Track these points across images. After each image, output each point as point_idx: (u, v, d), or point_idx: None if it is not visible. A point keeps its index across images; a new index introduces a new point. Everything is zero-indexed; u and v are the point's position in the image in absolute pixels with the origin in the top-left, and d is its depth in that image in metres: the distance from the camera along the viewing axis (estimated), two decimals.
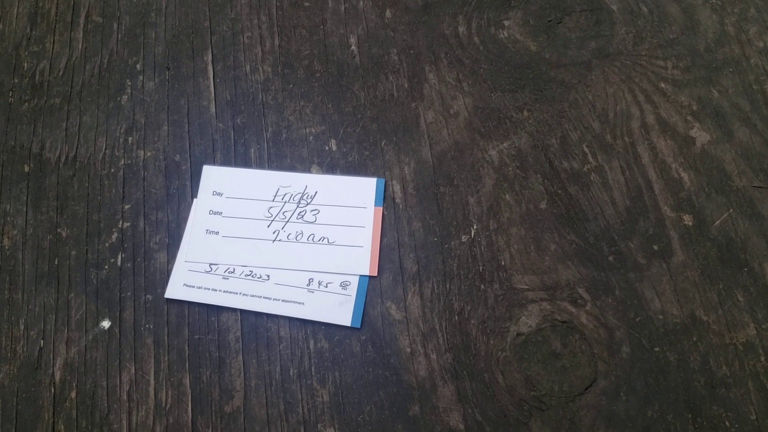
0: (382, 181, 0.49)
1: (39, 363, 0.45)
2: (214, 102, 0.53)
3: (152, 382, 0.44)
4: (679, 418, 0.40)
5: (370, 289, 0.45)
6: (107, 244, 0.48)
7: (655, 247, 0.45)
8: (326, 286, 0.46)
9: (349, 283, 0.45)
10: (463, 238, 0.46)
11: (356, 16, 0.55)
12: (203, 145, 0.51)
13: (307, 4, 0.56)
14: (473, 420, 0.41)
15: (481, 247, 0.46)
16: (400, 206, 0.48)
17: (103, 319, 0.46)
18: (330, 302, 0.45)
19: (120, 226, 0.49)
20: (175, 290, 0.46)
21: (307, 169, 0.50)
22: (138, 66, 0.55)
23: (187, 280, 0.46)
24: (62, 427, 0.43)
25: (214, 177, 0.50)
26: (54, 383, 0.44)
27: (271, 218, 0.48)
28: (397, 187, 0.48)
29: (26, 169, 0.51)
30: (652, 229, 0.46)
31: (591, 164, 0.48)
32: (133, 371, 0.44)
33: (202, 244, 0.47)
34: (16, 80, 0.55)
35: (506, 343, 0.43)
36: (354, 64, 0.53)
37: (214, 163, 0.50)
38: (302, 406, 0.42)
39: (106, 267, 0.47)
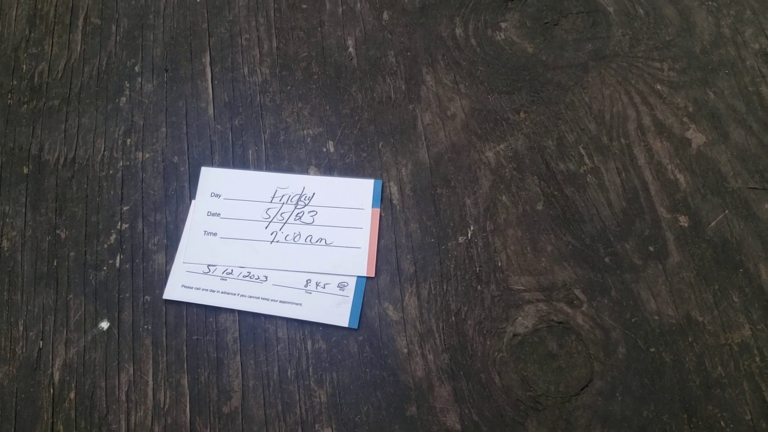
0: (380, 182, 0.49)
1: (38, 364, 0.45)
2: (212, 104, 0.53)
3: (150, 382, 0.44)
4: (675, 418, 0.41)
5: (368, 290, 0.45)
6: (106, 246, 0.48)
7: (651, 248, 0.45)
8: (324, 287, 0.46)
9: (346, 284, 0.46)
10: (460, 240, 0.47)
11: (354, 18, 0.55)
12: (201, 147, 0.51)
13: (304, 6, 0.56)
14: (470, 420, 0.41)
15: (478, 248, 0.46)
16: (398, 207, 0.48)
17: (101, 320, 0.46)
18: (327, 303, 0.45)
19: (118, 227, 0.49)
20: (173, 291, 0.46)
21: (304, 171, 0.50)
22: (136, 68, 0.55)
23: (186, 281, 0.46)
24: (61, 427, 0.43)
25: (212, 178, 0.50)
26: (53, 384, 0.44)
27: (269, 219, 0.48)
28: (394, 189, 0.49)
29: (25, 170, 0.51)
30: (647, 230, 0.46)
31: (587, 166, 0.48)
32: (131, 372, 0.44)
33: (201, 246, 0.48)
34: (15, 82, 0.55)
35: (503, 344, 0.43)
36: (351, 66, 0.53)
37: (212, 164, 0.51)
38: (300, 407, 0.43)
39: (105, 268, 0.47)
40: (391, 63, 0.53)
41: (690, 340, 0.43)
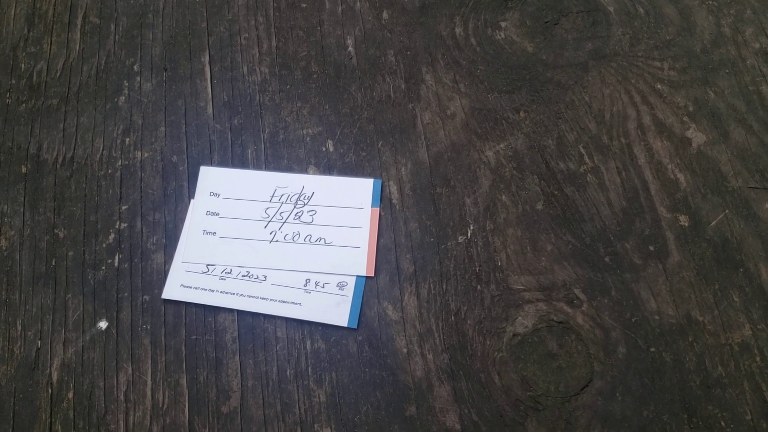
0: (379, 181, 0.49)
1: (36, 363, 0.45)
2: (211, 103, 0.53)
3: (149, 382, 0.44)
4: (675, 418, 0.41)
5: (367, 290, 0.45)
6: (104, 245, 0.48)
7: (651, 248, 0.45)
8: (323, 287, 0.46)
9: (346, 284, 0.46)
10: (460, 239, 0.46)
11: (353, 18, 0.55)
12: (200, 146, 0.51)
13: (304, 5, 0.56)
14: (469, 420, 0.41)
15: (478, 247, 0.46)
16: (397, 207, 0.48)
17: (100, 319, 0.46)
18: (327, 303, 0.45)
19: (117, 226, 0.49)
20: (172, 291, 0.46)
21: (304, 170, 0.50)
22: (135, 67, 0.55)
23: (184, 281, 0.46)
24: (59, 427, 0.43)
25: (211, 178, 0.50)
26: (51, 384, 0.44)
27: (268, 219, 0.48)
28: (393, 188, 0.48)
29: (23, 170, 0.51)
30: (648, 229, 0.46)
31: (587, 165, 0.48)
32: (130, 372, 0.44)
33: (200, 245, 0.48)
34: (13, 81, 0.55)
35: (502, 344, 0.43)
36: (351, 66, 0.53)
37: (211, 163, 0.50)
38: (299, 407, 0.43)
39: (104, 268, 0.47)
40: (390, 62, 0.53)
41: (690, 339, 0.42)
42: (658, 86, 0.50)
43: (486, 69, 0.52)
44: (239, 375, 0.44)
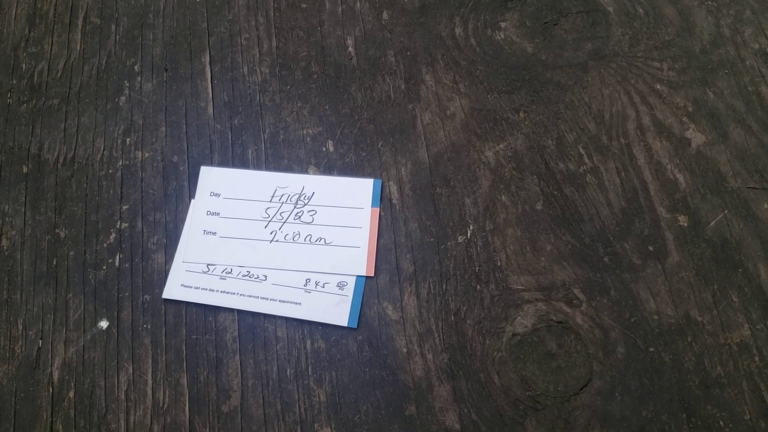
0: (379, 182, 0.49)
1: (37, 363, 0.45)
2: (211, 103, 0.53)
3: (150, 381, 0.44)
4: (674, 418, 0.41)
5: (367, 290, 0.46)
6: (105, 245, 0.48)
7: (651, 248, 0.45)
8: (323, 287, 0.46)
9: (346, 284, 0.46)
10: (460, 239, 0.47)
11: (353, 18, 0.55)
12: (201, 146, 0.51)
13: (304, 5, 0.56)
14: (469, 420, 0.41)
15: (478, 247, 0.46)
16: (397, 207, 0.48)
17: (101, 319, 0.46)
18: (327, 302, 0.45)
19: (118, 226, 0.49)
20: (172, 290, 0.46)
21: (304, 170, 0.50)
22: (136, 67, 0.55)
23: (185, 281, 0.46)
24: (60, 426, 0.43)
25: (211, 178, 0.50)
26: (52, 383, 0.44)
27: (269, 219, 0.48)
28: (393, 188, 0.49)
29: (25, 169, 0.51)
30: (647, 230, 0.46)
31: (587, 165, 0.48)
32: (130, 371, 0.44)
33: (200, 245, 0.48)
34: (14, 81, 0.55)
35: (502, 344, 0.43)
36: (351, 66, 0.53)
37: (211, 164, 0.51)
38: (299, 406, 0.43)
39: (104, 267, 0.47)
40: (390, 62, 0.53)
41: (689, 339, 0.43)
42: (658, 87, 0.51)
43: (486, 69, 0.52)
44: (239, 374, 0.44)
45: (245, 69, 0.54)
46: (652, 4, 0.54)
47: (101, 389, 0.44)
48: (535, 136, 0.50)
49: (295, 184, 0.49)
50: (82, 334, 0.45)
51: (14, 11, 0.58)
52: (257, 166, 0.50)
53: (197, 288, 0.46)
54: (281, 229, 0.48)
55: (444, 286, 0.45)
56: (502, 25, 0.54)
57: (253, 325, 0.45)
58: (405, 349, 0.44)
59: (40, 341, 0.46)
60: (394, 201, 0.48)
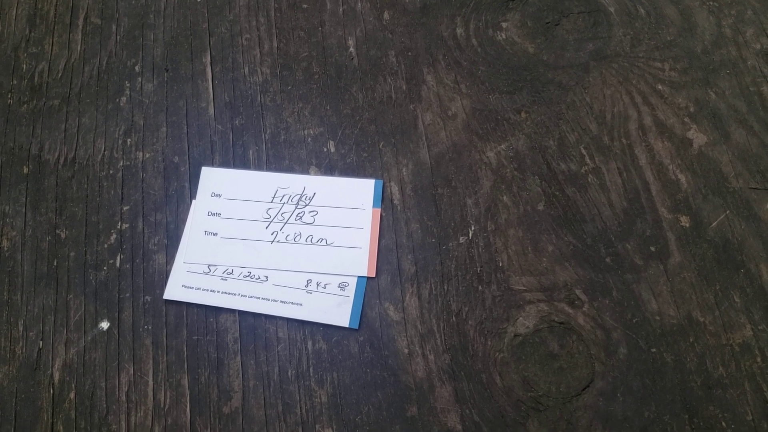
0: (381, 182, 0.49)
1: (38, 364, 0.45)
2: (212, 104, 0.53)
3: (151, 382, 0.44)
4: (676, 418, 0.41)
5: (368, 290, 0.45)
6: (106, 246, 0.48)
7: (652, 249, 0.45)
8: (324, 287, 0.46)
9: (347, 284, 0.46)
10: (461, 240, 0.47)
11: (354, 18, 0.55)
12: (202, 147, 0.51)
13: (305, 5, 0.56)
14: (471, 421, 0.41)
15: (479, 248, 0.46)
16: (398, 208, 0.48)
17: (101, 320, 0.46)
18: (328, 303, 0.45)
19: (119, 227, 0.49)
20: (173, 291, 0.46)
21: (305, 171, 0.50)
22: (137, 68, 0.55)
23: (186, 282, 0.46)
24: (61, 427, 0.43)
25: (212, 178, 0.50)
26: (53, 384, 0.44)
27: (270, 219, 0.48)
28: (395, 189, 0.49)
29: (25, 170, 0.51)
30: (649, 230, 0.46)
31: (588, 166, 0.48)
32: (131, 372, 0.44)
33: (201, 246, 0.48)
34: (15, 82, 0.55)
35: (504, 344, 0.43)
36: (352, 66, 0.53)
37: (212, 164, 0.50)
38: (300, 407, 0.43)
39: (105, 268, 0.47)
40: (391, 63, 0.53)
41: (691, 340, 0.42)
42: (659, 87, 0.51)
43: (487, 70, 0.52)
44: (241, 375, 0.44)
45: (246, 69, 0.54)
46: (653, 4, 0.54)
47: (102, 390, 0.44)
48: (537, 136, 0.50)
49: (297, 185, 0.49)
50: (83, 335, 0.45)
51: (15, 11, 0.58)
52: (258, 167, 0.50)
53: (198, 289, 0.46)
54: (282, 230, 0.48)
55: (445, 287, 0.45)
56: (504, 25, 0.54)
57: (255, 326, 0.45)
58: (406, 350, 0.44)
59: (41, 342, 0.45)
60: (396, 201, 0.48)
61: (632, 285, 0.44)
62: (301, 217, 0.48)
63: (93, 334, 0.45)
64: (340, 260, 0.46)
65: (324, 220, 0.48)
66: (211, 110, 0.52)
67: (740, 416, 0.40)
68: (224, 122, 0.52)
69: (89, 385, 0.44)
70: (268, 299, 0.45)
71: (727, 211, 0.46)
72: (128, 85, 0.54)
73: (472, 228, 0.47)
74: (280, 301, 0.45)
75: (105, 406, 0.43)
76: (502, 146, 0.49)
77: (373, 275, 0.46)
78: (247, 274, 0.46)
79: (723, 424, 0.40)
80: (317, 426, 0.42)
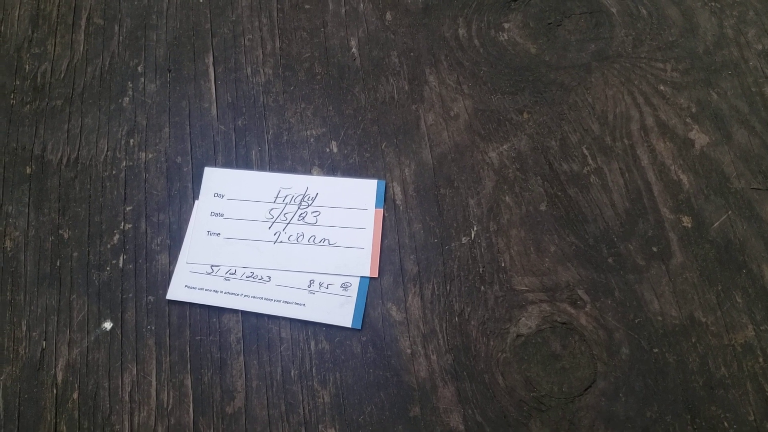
0: (383, 182, 0.49)
1: (41, 364, 0.45)
2: (215, 104, 0.53)
3: (154, 383, 0.44)
4: (678, 419, 0.41)
5: (371, 291, 0.46)
6: (109, 246, 0.48)
7: (655, 249, 0.45)
8: (327, 288, 0.46)
9: (349, 285, 0.46)
10: (464, 240, 0.47)
11: (357, 19, 0.55)
12: (204, 147, 0.51)
13: (307, 6, 0.56)
14: (473, 421, 0.41)
15: (481, 248, 0.46)
16: (401, 208, 0.48)
17: (104, 320, 0.46)
18: (331, 303, 0.45)
19: (122, 227, 0.49)
20: (176, 291, 0.46)
21: (308, 171, 0.50)
22: (139, 68, 0.55)
23: (189, 282, 0.46)
24: (64, 427, 0.43)
25: (215, 179, 0.50)
26: (56, 384, 0.44)
27: (273, 220, 0.48)
28: (397, 189, 0.49)
29: (28, 170, 0.51)
30: (651, 230, 0.46)
31: (590, 166, 0.48)
32: (134, 372, 0.44)
33: (204, 246, 0.48)
34: (17, 82, 0.55)
35: (506, 345, 0.43)
36: (354, 67, 0.53)
37: (215, 164, 0.51)
38: (303, 407, 0.43)
39: (108, 268, 0.47)
40: (394, 63, 0.53)
41: (693, 340, 0.43)
42: (661, 88, 0.51)
43: (489, 70, 0.52)
44: (243, 375, 0.44)
45: (249, 70, 0.54)
46: (655, 5, 0.54)
47: (105, 390, 0.44)
48: (539, 136, 0.50)
49: (299, 185, 0.49)
50: (86, 336, 0.45)
51: (17, 12, 0.58)
52: (261, 167, 0.50)
53: (201, 289, 0.46)
54: (285, 230, 0.48)
55: (448, 287, 0.45)
56: (506, 26, 0.54)
57: (257, 326, 0.45)
58: (409, 350, 0.44)
59: (44, 342, 0.46)
60: (398, 202, 0.48)
61: (634, 285, 0.44)
62: (303, 218, 0.48)
63: (96, 335, 0.45)
64: (343, 260, 0.46)
65: (326, 221, 0.48)
66: (214, 111, 0.53)
67: (742, 416, 0.40)
68: (227, 123, 0.52)
69: (92, 386, 0.44)
70: (270, 299, 0.46)
71: (729, 212, 0.46)
72: (131, 85, 0.54)
73: (475, 228, 0.47)
74: (283, 302, 0.45)
75: (108, 406, 0.43)
76: (505, 147, 0.50)
77: (376, 275, 0.46)
78: (250, 274, 0.46)
79: (725, 424, 0.40)
80: (320, 426, 0.42)
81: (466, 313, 0.44)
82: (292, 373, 0.44)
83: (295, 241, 0.47)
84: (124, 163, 0.51)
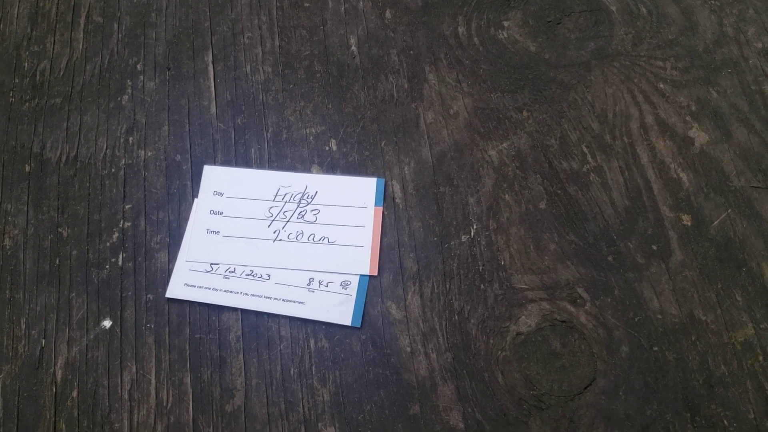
0: (382, 181, 0.49)
1: (40, 362, 0.45)
2: (214, 102, 0.53)
3: (153, 381, 0.44)
4: (678, 417, 0.41)
5: (371, 289, 0.45)
6: (108, 244, 0.48)
7: (654, 247, 0.45)
8: (326, 286, 0.46)
9: (349, 283, 0.46)
10: (463, 238, 0.47)
11: (356, 17, 0.55)
12: (204, 145, 0.51)
13: (307, 4, 0.56)
14: (473, 419, 0.41)
15: (481, 246, 0.46)
16: (400, 206, 0.48)
17: (104, 318, 0.46)
18: (330, 302, 0.45)
19: (121, 225, 0.49)
20: (176, 290, 0.46)
21: (307, 169, 0.50)
22: (138, 66, 0.55)
23: (188, 280, 0.46)
24: (64, 426, 0.43)
25: (214, 177, 0.50)
26: (55, 382, 0.44)
27: (272, 218, 0.48)
28: (397, 187, 0.49)
29: (27, 168, 0.51)
30: (650, 229, 0.46)
31: (590, 164, 0.48)
32: (134, 370, 0.44)
33: (203, 244, 0.48)
34: (16, 80, 0.55)
35: (506, 343, 0.43)
36: (354, 65, 0.53)
37: (214, 163, 0.50)
38: (303, 405, 0.43)
39: (107, 266, 0.47)
40: (393, 61, 0.53)
41: (693, 338, 0.43)
42: (661, 86, 0.51)
43: (489, 68, 0.52)
44: (243, 374, 0.44)
45: (248, 68, 0.54)
46: (655, 3, 0.54)
47: (104, 389, 0.44)
48: (539, 135, 0.50)
49: (298, 183, 0.49)
50: (86, 334, 0.45)
51: (16, 10, 0.58)
52: (260, 165, 0.50)
53: (200, 287, 0.46)
54: (284, 228, 0.48)
55: (447, 286, 0.45)
56: (505, 24, 0.54)
57: (257, 324, 0.45)
58: (409, 349, 0.44)
59: (43, 341, 0.45)
60: (398, 200, 0.48)
61: (634, 283, 0.44)
62: (303, 216, 0.48)
63: (95, 333, 0.45)
64: (342, 259, 0.46)
65: (326, 219, 0.48)
66: (213, 109, 0.52)
67: (742, 414, 0.40)
68: (226, 121, 0.52)
69: (92, 384, 0.44)
70: (270, 298, 0.46)
71: (729, 210, 0.46)
72: (130, 83, 0.54)
73: (474, 226, 0.47)
74: (283, 300, 0.45)
75: (108, 404, 0.43)
76: (504, 145, 0.49)
77: (375, 274, 0.46)
78: (250, 272, 0.46)
79: (725, 422, 0.40)
80: (320, 424, 0.42)
81: (466, 312, 0.44)
82: (292, 372, 0.44)
83: (295, 240, 0.47)
84: (124, 161, 0.51)
